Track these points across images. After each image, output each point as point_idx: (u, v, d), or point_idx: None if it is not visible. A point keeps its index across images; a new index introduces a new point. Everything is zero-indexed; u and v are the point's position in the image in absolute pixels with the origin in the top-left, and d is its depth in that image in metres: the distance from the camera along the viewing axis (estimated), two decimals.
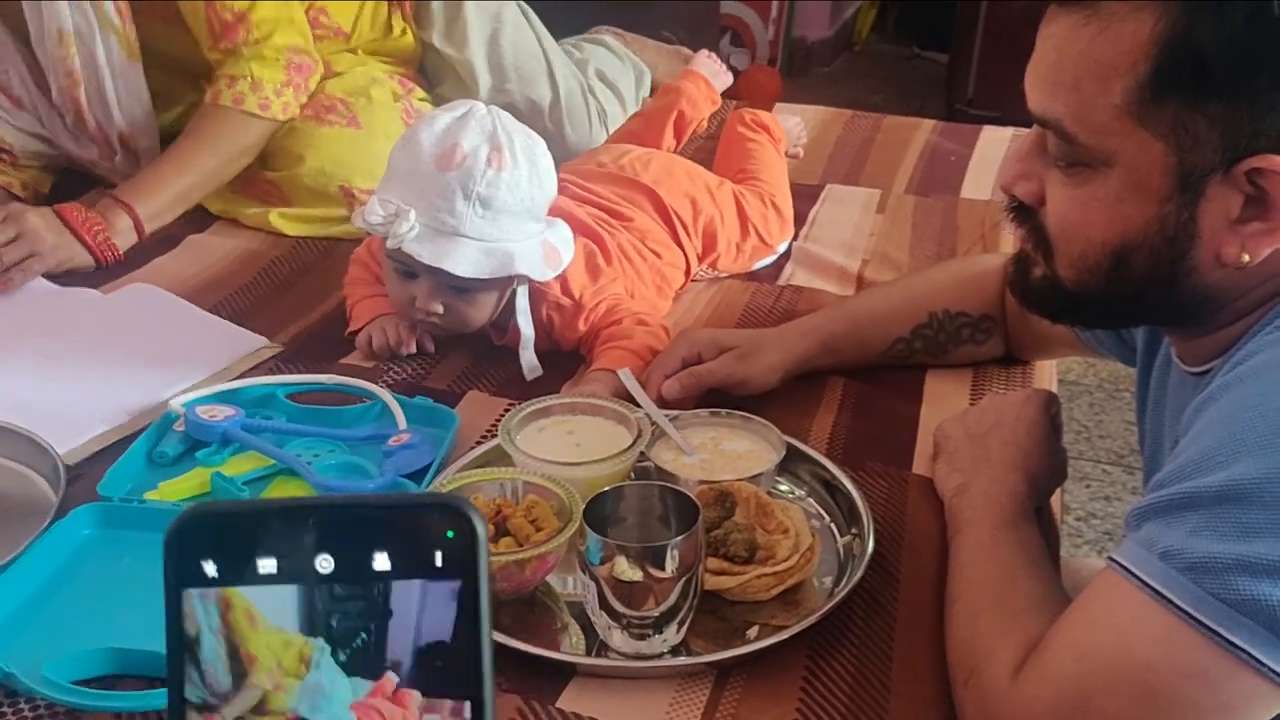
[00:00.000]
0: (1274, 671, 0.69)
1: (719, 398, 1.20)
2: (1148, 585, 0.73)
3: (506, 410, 1.17)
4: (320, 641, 0.39)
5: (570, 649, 0.92)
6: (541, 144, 1.28)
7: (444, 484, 0.99)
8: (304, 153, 1.64)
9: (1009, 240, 1.63)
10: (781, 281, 1.55)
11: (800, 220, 1.68)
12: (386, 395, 1.21)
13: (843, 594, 0.94)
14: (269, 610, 0.39)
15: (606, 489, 0.93)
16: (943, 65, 4.48)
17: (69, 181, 1.77)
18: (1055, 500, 1.11)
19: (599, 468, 1.02)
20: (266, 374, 1.30)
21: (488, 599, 0.38)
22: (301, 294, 1.51)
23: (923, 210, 1.76)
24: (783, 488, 1.09)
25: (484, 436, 1.18)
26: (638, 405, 1.13)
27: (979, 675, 0.83)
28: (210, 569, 0.38)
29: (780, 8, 4.52)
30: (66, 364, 1.30)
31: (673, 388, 1.18)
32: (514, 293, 1.28)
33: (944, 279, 1.32)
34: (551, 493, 0.97)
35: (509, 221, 1.22)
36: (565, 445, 1.07)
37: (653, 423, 1.09)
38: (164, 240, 1.63)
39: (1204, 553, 0.71)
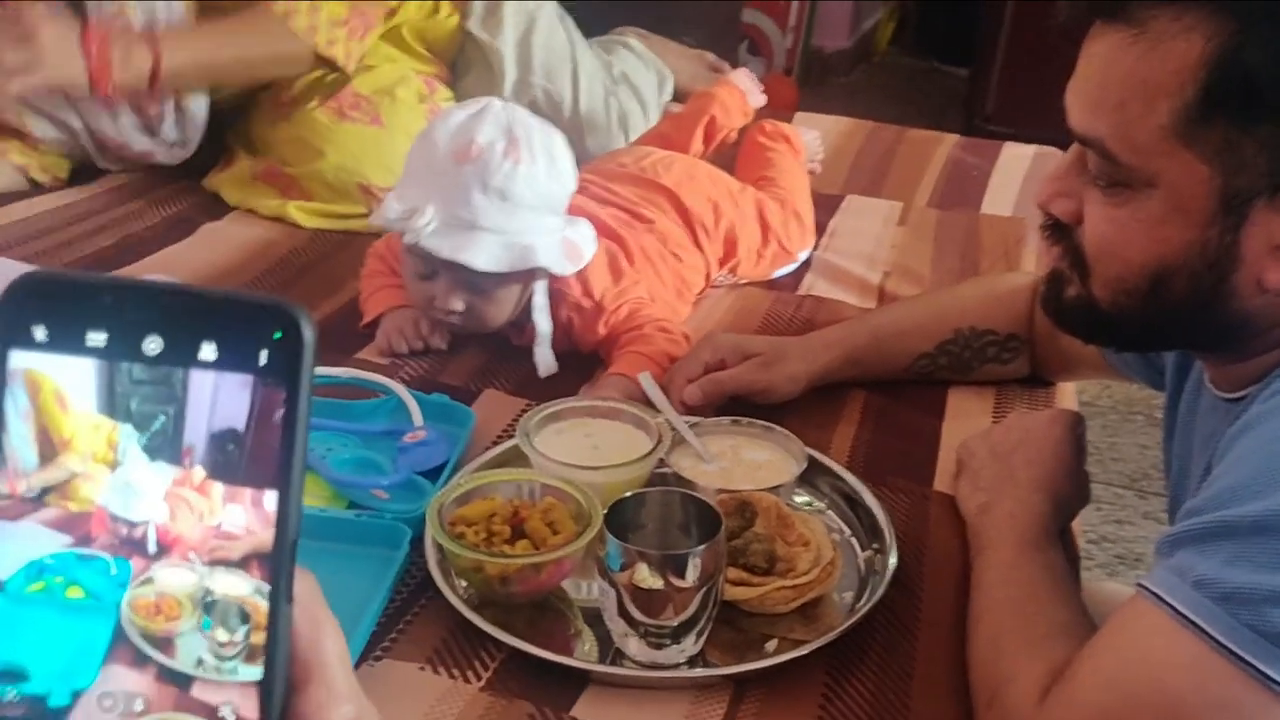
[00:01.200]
0: None
1: (739, 405, 1.18)
2: (1179, 613, 0.72)
3: (524, 410, 1.16)
4: (128, 428, 0.39)
5: (583, 656, 0.91)
6: (560, 138, 1.27)
7: (461, 483, 0.98)
8: (324, 148, 1.64)
9: (1032, 257, 1.62)
10: (802, 291, 1.54)
11: (821, 230, 1.67)
12: (402, 391, 1.19)
13: (864, 610, 0.92)
14: (80, 391, 0.39)
15: (629, 494, 0.92)
16: (961, 79, 4.47)
17: (87, 169, 1.76)
18: (1074, 522, 1.09)
19: (617, 472, 1.01)
20: None
21: (306, 404, 0.39)
22: (316, 286, 1.50)
23: (945, 224, 1.75)
24: (802, 499, 1.08)
25: (500, 436, 1.17)
26: (657, 410, 1.11)
27: (1002, 699, 0.82)
28: (40, 333, 0.39)
29: (799, 17, 4.51)
30: None
31: (694, 393, 1.17)
32: (531, 296, 1.27)
33: (972, 295, 1.30)
34: (569, 496, 0.96)
35: (528, 215, 1.21)
36: (583, 448, 1.06)
37: (672, 429, 1.07)
38: (178, 226, 1.62)
39: (1239, 583, 0.70)
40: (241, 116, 1.79)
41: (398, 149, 1.59)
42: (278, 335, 0.39)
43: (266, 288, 1.48)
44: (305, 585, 0.40)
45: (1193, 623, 0.71)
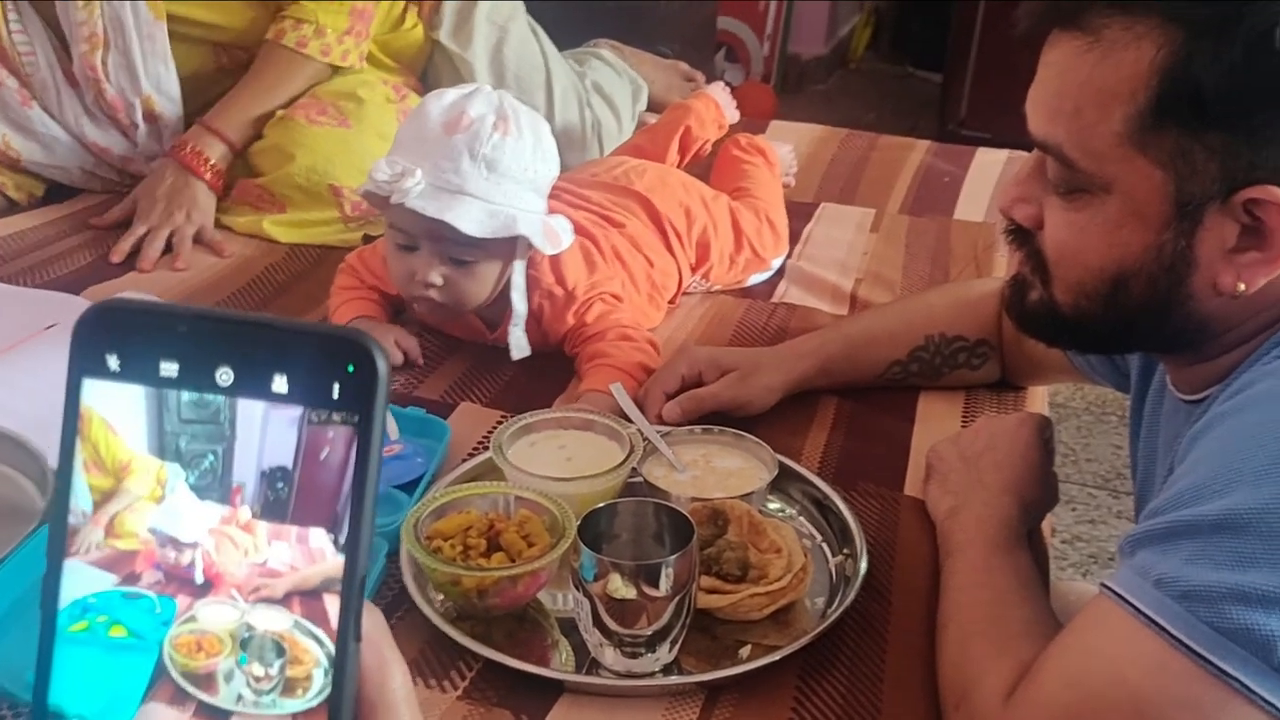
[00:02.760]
0: (1267, 701, 0.69)
1: (713, 414, 1.19)
2: (1141, 612, 0.73)
3: (499, 423, 1.17)
4: (176, 466, 0.39)
5: (560, 666, 0.92)
6: (546, 125, 1.29)
7: (436, 497, 0.98)
8: (295, 151, 1.65)
9: (1002, 262, 1.63)
10: (775, 299, 1.55)
11: (795, 238, 1.68)
12: None
13: (835, 615, 0.93)
14: (133, 425, 0.39)
15: (601, 505, 0.93)
16: (936, 85, 4.51)
17: (61, 189, 1.76)
18: (1045, 523, 1.11)
19: (591, 483, 1.01)
20: None
21: (379, 439, 0.38)
22: (293, 302, 1.50)
23: (916, 230, 1.76)
24: (773, 506, 1.09)
25: (476, 449, 1.18)
26: (630, 420, 1.12)
27: (970, 699, 0.83)
28: (113, 362, 0.39)
29: (776, 24, 4.54)
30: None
31: (674, 411, 1.18)
32: (509, 277, 1.28)
33: (941, 302, 1.32)
34: (544, 508, 0.96)
35: (513, 187, 1.23)
36: (557, 460, 1.06)
37: (644, 438, 1.08)
38: None
39: (1199, 581, 0.71)
40: None
41: (368, 149, 1.61)
42: (350, 368, 0.38)
43: (244, 305, 1.49)
44: (372, 621, 0.40)
45: (1154, 621, 0.72)
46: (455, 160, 1.21)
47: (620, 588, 0.85)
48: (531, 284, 1.30)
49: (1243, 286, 0.78)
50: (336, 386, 0.38)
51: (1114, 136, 0.78)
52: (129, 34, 1.64)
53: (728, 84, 2.08)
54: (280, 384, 0.38)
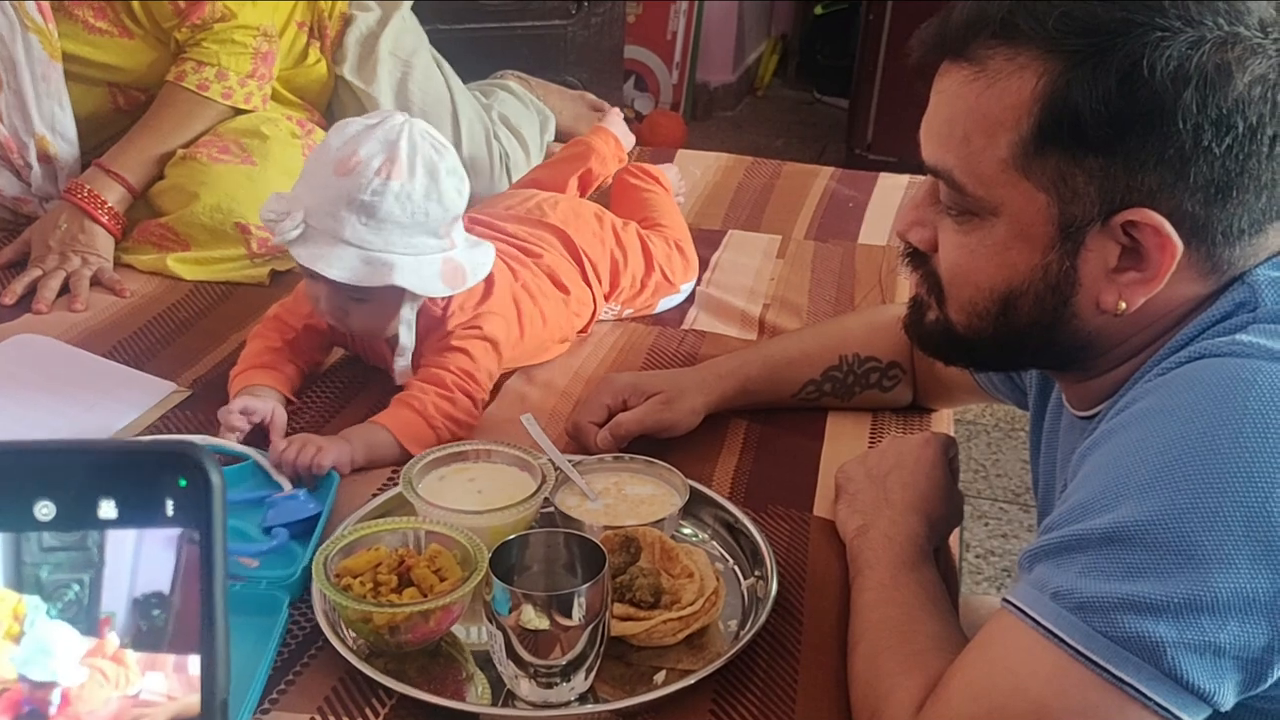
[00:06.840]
0: (1161, 706, 0.71)
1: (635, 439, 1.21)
2: (1040, 624, 0.75)
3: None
4: (35, 599, 0.37)
5: (476, 699, 0.91)
6: (451, 161, 1.24)
7: (345, 534, 0.97)
8: (198, 190, 1.63)
9: (905, 286, 1.67)
10: (686, 325, 1.57)
11: (703, 265, 1.70)
12: (259, 457, 1.17)
13: (748, 637, 0.94)
14: None
15: (512, 537, 0.93)
16: (842, 110, 4.59)
17: None
18: (954, 538, 1.13)
19: (502, 515, 1.01)
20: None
21: (222, 551, 0.37)
22: (196, 340, 1.48)
23: (822, 255, 1.80)
24: (685, 531, 1.10)
25: (385, 484, 1.17)
26: (541, 451, 1.13)
27: (880, 715, 0.85)
28: None
29: (684, 53, 4.59)
30: None
31: (606, 439, 1.20)
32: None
33: (856, 325, 1.35)
34: (455, 542, 0.96)
35: (395, 233, 1.20)
36: (467, 493, 1.06)
37: (556, 468, 1.09)
38: None
39: (1092, 592, 0.73)
40: None
41: (273, 186, 1.59)
42: (183, 482, 0.37)
43: (146, 343, 1.46)
44: None
45: (1052, 632, 0.75)
46: (335, 205, 1.19)
47: (533, 619, 0.85)
48: (422, 309, 1.29)
49: (1124, 305, 0.81)
50: (170, 503, 0.37)
51: (1000, 162, 0.81)
52: (22, 74, 1.61)
53: (637, 113, 2.10)
54: (108, 509, 0.37)
